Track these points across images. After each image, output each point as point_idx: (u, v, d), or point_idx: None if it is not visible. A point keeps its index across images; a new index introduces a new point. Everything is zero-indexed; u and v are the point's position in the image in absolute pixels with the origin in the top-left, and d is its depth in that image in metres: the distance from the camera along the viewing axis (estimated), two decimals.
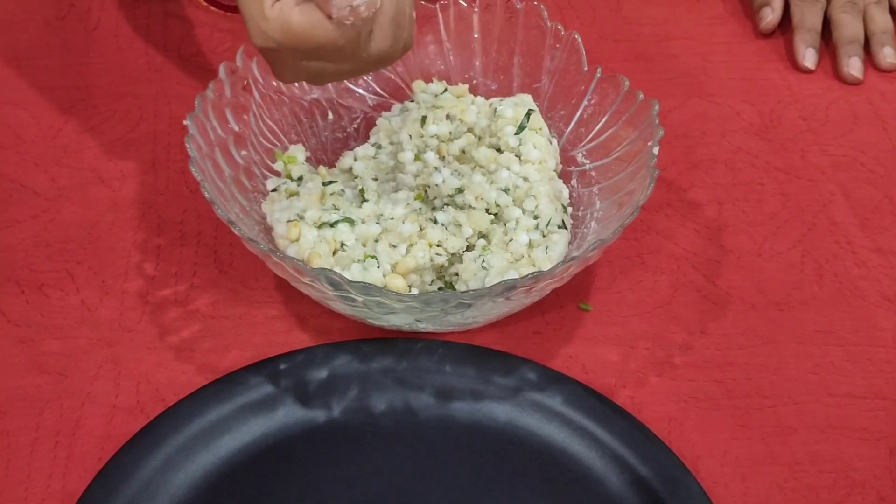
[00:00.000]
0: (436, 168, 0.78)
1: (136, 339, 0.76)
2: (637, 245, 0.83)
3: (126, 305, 0.78)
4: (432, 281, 0.76)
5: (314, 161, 0.83)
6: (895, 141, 0.91)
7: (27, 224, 0.83)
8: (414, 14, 0.68)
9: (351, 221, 0.75)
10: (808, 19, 0.98)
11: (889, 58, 0.97)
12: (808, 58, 0.96)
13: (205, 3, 0.92)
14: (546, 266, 0.74)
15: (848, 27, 0.97)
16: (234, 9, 0.89)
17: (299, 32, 0.63)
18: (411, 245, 0.75)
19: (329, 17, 0.63)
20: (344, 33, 0.63)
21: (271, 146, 0.81)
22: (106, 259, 0.81)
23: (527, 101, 0.82)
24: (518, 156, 0.79)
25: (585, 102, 0.82)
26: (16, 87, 0.93)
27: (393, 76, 0.86)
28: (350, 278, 0.69)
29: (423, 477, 0.69)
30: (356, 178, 0.80)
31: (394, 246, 0.75)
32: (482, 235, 0.76)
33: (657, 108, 0.76)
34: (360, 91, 0.86)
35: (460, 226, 0.76)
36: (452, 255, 0.75)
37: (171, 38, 0.97)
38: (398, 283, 0.73)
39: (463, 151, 0.79)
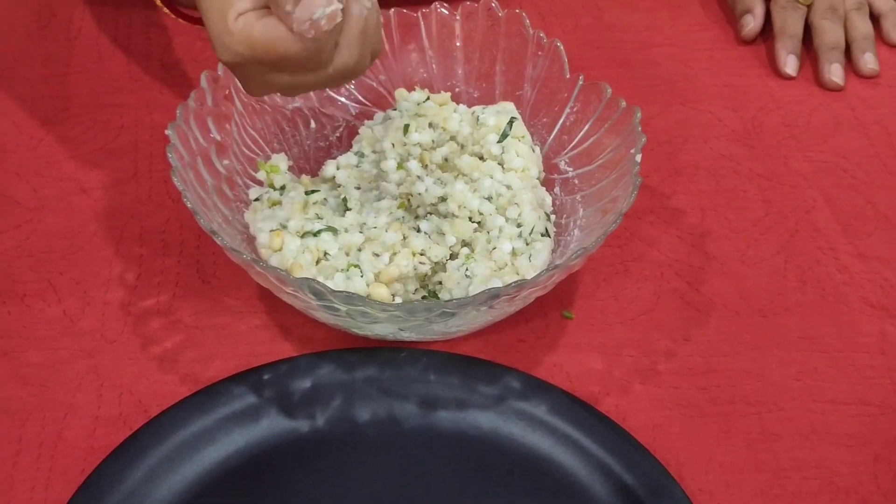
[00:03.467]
0: (418, 177, 0.78)
1: (119, 349, 0.76)
2: (620, 252, 0.83)
3: (108, 316, 0.78)
4: (416, 290, 0.75)
5: (297, 170, 0.82)
6: (877, 147, 0.92)
7: (8, 234, 0.83)
8: (381, 20, 0.69)
9: (334, 230, 0.75)
10: (789, 26, 0.98)
11: (870, 63, 0.97)
12: (790, 64, 0.97)
13: (173, 17, 0.92)
14: (529, 274, 0.74)
15: (829, 33, 0.98)
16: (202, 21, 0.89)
17: (262, 46, 0.64)
18: (394, 254, 0.74)
19: (291, 30, 0.63)
20: (307, 46, 0.63)
21: (253, 155, 0.81)
22: (88, 269, 0.81)
23: (509, 108, 0.82)
24: (501, 164, 0.79)
25: (568, 110, 0.82)
26: None
27: (375, 84, 0.86)
28: (333, 288, 0.69)
29: (408, 486, 0.69)
30: (339, 186, 0.80)
31: (377, 255, 0.74)
32: (465, 244, 0.76)
33: (639, 115, 0.76)
34: (343, 100, 0.86)
35: (443, 234, 0.76)
36: (436, 263, 0.75)
37: (152, 47, 0.97)
38: (381, 293, 0.73)
39: (446, 160, 0.79)
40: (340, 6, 0.63)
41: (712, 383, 0.75)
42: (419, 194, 0.77)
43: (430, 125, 0.80)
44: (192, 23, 0.89)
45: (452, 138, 0.80)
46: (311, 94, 0.84)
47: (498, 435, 0.71)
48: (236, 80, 0.79)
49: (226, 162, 0.78)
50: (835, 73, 0.96)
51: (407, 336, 0.74)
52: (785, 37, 0.98)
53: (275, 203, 0.78)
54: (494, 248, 0.75)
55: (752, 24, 0.99)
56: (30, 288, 0.79)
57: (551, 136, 0.83)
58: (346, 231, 0.75)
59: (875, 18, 1.01)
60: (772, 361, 0.77)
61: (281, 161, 0.80)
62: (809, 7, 1.00)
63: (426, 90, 0.84)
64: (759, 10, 1.00)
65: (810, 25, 0.99)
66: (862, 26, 0.99)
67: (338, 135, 0.86)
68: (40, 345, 0.76)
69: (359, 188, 0.79)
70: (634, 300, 0.80)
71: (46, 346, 0.76)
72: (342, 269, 0.74)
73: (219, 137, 0.78)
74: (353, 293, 0.68)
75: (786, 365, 0.77)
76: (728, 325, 0.79)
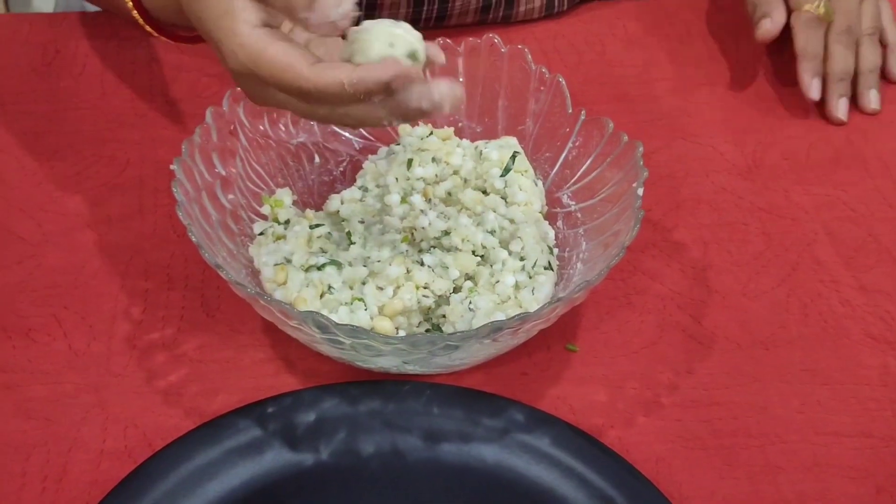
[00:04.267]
0: (422, 211, 0.78)
1: (124, 383, 0.76)
2: (623, 285, 0.83)
3: (113, 350, 0.78)
4: (419, 323, 0.76)
5: (301, 204, 0.83)
6: (877, 180, 0.92)
7: (13, 269, 0.83)
8: (424, 92, 0.66)
9: (338, 264, 0.75)
10: (811, 47, 0.97)
11: (873, 103, 0.98)
12: (814, 88, 0.97)
13: (171, 41, 0.92)
14: (533, 307, 0.75)
15: (840, 61, 0.97)
16: (193, 40, 0.89)
17: (270, 69, 0.64)
18: (398, 287, 0.75)
19: (307, 28, 0.63)
20: (317, 84, 0.63)
21: (258, 190, 0.81)
22: (93, 304, 0.81)
23: (512, 143, 0.83)
24: (504, 198, 0.80)
25: (570, 144, 0.83)
26: (1, 133, 0.93)
27: None
28: (337, 321, 0.69)
29: None
30: (343, 220, 0.80)
31: (381, 288, 0.75)
32: (469, 277, 0.77)
33: (641, 149, 0.77)
34: (347, 135, 0.86)
35: (447, 268, 0.76)
36: (439, 296, 0.75)
37: (156, 83, 0.98)
38: (385, 326, 0.73)
39: (449, 194, 0.80)
40: (352, 4, 0.63)
41: (715, 416, 0.76)
42: (423, 228, 0.77)
43: (434, 160, 0.80)
44: (189, 42, 0.90)
45: (456, 172, 0.81)
46: (316, 128, 0.85)
47: (502, 467, 0.71)
48: (241, 113, 0.80)
49: (230, 196, 0.79)
50: (841, 109, 0.96)
51: (411, 369, 0.75)
52: (807, 60, 0.97)
53: (279, 237, 0.78)
54: (498, 282, 0.76)
55: (769, 25, 0.98)
56: (34, 322, 0.80)
57: (554, 171, 0.84)
58: (350, 265, 0.76)
59: (883, 46, 1.01)
60: (774, 394, 0.77)
61: (285, 195, 0.81)
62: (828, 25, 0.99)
63: (429, 125, 0.84)
64: (779, 17, 0.99)
65: (825, 46, 0.99)
66: (871, 57, 0.99)
67: (342, 169, 0.86)
68: (45, 379, 0.76)
69: (363, 222, 0.80)
70: (637, 333, 0.80)
71: (51, 381, 0.76)
72: (346, 303, 0.74)
73: (224, 172, 0.79)
74: (357, 326, 0.69)
75: (788, 397, 0.77)
76: (730, 357, 0.79)
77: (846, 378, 0.78)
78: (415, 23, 0.99)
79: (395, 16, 0.99)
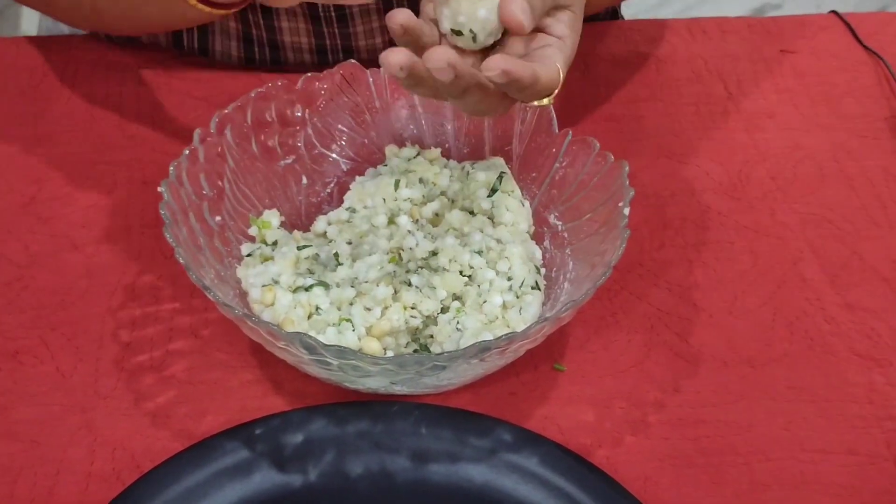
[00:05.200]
0: (409, 231, 0.78)
1: (112, 405, 0.76)
2: (610, 304, 0.83)
3: (101, 372, 0.78)
4: (407, 343, 0.76)
5: (288, 226, 0.83)
6: (862, 198, 0.92)
7: (0, 291, 0.83)
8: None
9: (325, 285, 0.75)
10: None
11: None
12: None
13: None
14: (520, 327, 0.75)
15: None
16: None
17: None
18: (386, 308, 0.75)
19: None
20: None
21: (245, 211, 0.82)
22: (80, 325, 0.81)
23: (499, 164, 0.83)
24: (491, 218, 0.80)
25: (557, 165, 0.83)
26: None
27: (366, 141, 0.87)
28: (325, 342, 0.69)
29: None
30: (330, 241, 0.80)
31: (368, 309, 0.75)
32: (456, 297, 0.77)
33: (627, 169, 0.77)
34: (334, 156, 0.87)
35: (434, 288, 0.76)
36: (427, 317, 0.76)
37: (143, 105, 0.98)
38: (373, 346, 0.74)
39: (436, 214, 0.80)
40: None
41: (702, 434, 0.76)
42: (410, 249, 0.78)
43: (421, 180, 0.81)
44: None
45: (443, 193, 0.81)
46: (304, 150, 0.85)
47: (490, 487, 0.71)
48: (228, 136, 0.80)
49: (218, 218, 0.79)
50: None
51: (399, 390, 0.75)
52: None
53: (267, 258, 0.78)
54: (485, 302, 0.76)
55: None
56: (22, 345, 0.80)
57: (540, 190, 0.84)
58: (338, 285, 0.76)
59: None
60: (760, 412, 0.77)
61: (273, 217, 0.81)
62: None
63: (416, 146, 0.85)
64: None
65: None
66: None
67: (329, 191, 0.86)
68: (32, 401, 0.76)
69: (350, 243, 0.80)
70: (624, 352, 0.81)
71: (38, 402, 0.76)
72: (334, 324, 0.74)
73: (211, 194, 0.79)
74: (345, 347, 0.69)
75: (774, 415, 0.77)
76: (717, 376, 0.79)
77: (832, 395, 0.78)
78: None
79: (367, 25, 1.00)
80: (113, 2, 0.89)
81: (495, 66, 0.64)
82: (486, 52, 0.70)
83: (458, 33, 0.68)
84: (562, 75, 0.70)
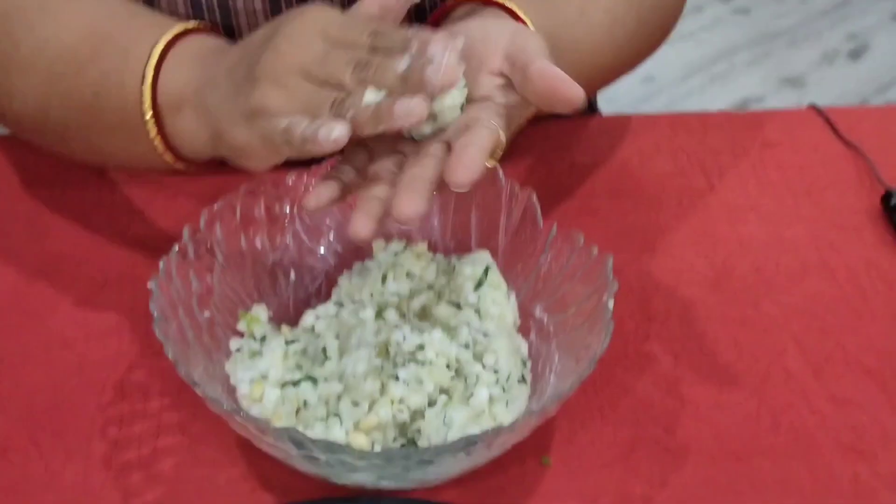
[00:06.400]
0: (396, 325, 0.79)
1: (101, 503, 0.76)
2: (596, 398, 0.84)
3: (90, 469, 0.78)
4: (395, 438, 0.76)
5: (276, 320, 0.83)
6: (845, 290, 0.93)
7: None
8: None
9: (313, 380, 0.76)
10: None
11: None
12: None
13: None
14: (507, 420, 0.75)
15: None
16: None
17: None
18: (373, 402, 0.75)
19: None
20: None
21: (234, 306, 0.82)
22: (69, 423, 0.81)
23: (485, 257, 0.84)
24: (477, 311, 0.81)
25: (542, 259, 0.84)
26: None
27: None
28: (313, 437, 0.70)
29: None
30: (318, 336, 0.81)
31: (356, 403, 0.75)
32: (443, 391, 0.77)
33: (611, 262, 0.78)
34: (322, 251, 0.88)
35: (422, 382, 0.77)
36: (415, 411, 0.76)
37: (135, 201, 0.99)
38: (361, 441, 0.74)
39: (423, 308, 0.81)
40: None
41: None
42: (397, 343, 0.78)
43: (408, 275, 0.82)
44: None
45: (429, 287, 0.82)
46: (292, 245, 0.86)
47: None
48: (217, 231, 0.81)
49: (207, 313, 0.80)
50: None
51: (386, 484, 0.75)
52: None
53: (255, 353, 0.79)
54: (472, 395, 0.76)
55: None
56: (11, 443, 0.80)
57: (526, 283, 0.85)
58: (326, 380, 0.76)
59: None
60: None
61: (261, 312, 0.82)
62: None
63: (403, 240, 0.86)
64: None
65: None
66: None
67: (317, 285, 0.87)
68: (22, 500, 0.76)
69: (338, 337, 0.80)
70: (611, 445, 0.81)
71: (28, 501, 0.76)
72: (322, 419, 0.74)
73: (200, 289, 0.80)
74: (333, 442, 0.69)
75: None
76: (703, 470, 0.79)
77: (818, 488, 0.78)
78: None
79: None
80: (80, 130, 0.87)
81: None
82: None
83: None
84: (502, 135, 0.71)
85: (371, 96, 0.68)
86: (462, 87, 0.71)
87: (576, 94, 0.70)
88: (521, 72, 0.72)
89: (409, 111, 0.67)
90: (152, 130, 0.81)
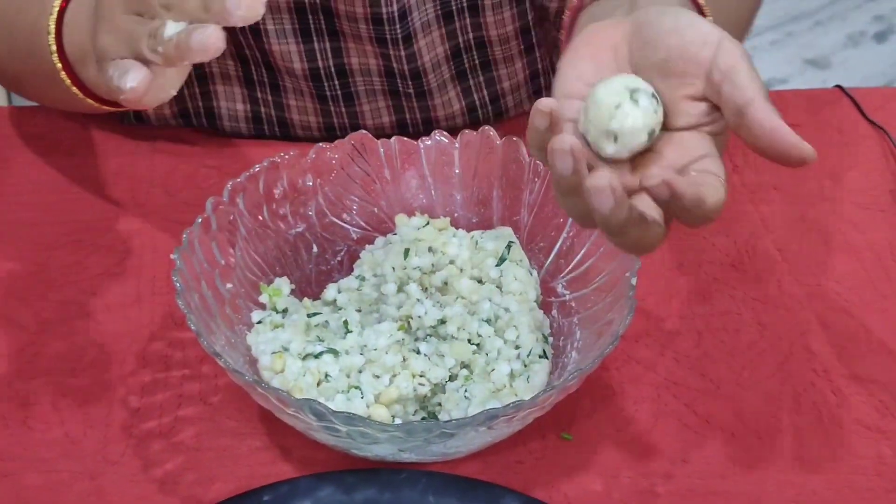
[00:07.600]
0: (418, 300, 0.79)
1: (120, 471, 0.76)
2: (617, 374, 0.84)
3: (110, 438, 0.78)
4: (415, 411, 0.76)
5: (299, 293, 0.83)
6: (868, 270, 0.93)
7: (11, 358, 0.83)
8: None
9: (335, 352, 0.76)
10: None
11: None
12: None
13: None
14: (527, 395, 0.75)
15: None
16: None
17: None
18: (395, 375, 0.75)
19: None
20: None
21: (256, 279, 0.82)
22: (90, 392, 0.81)
23: (507, 233, 0.84)
24: (499, 287, 0.81)
25: (564, 234, 0.84)
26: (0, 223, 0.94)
27: (376, 210, 0.87)
28: (334, 409, 0.70)
29: None
30: (340, 309, 0.81)
31: (377, 376, 0.75)
32: (464, 365, 0.77)
33: None
34: (344, 225, 0.87)
35: (443, 356, 0.77)
36: (435, 385, 0.76)
37: (156, 173, 0.99)
38: (381, 414, 0.74)
39: (445, 283, 0.81)
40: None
41: None
42: (419, 317, 0.78)
43: (430, 249, 0.81)
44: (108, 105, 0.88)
45: (451, 262, 0.82)
46: (315, 219, 0.86)
47: None
48: (241, 204, 0.81)
49: (229, 285, 0.80)
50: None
51: (407, 457, 0.75)
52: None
53: (277, 326, 0.79)
54: (493, 370, 0.76)
55: None
56: (32, 411, 0.80)
57: (548, 260, 0.85)
58: (347, 353, 0.76)
59: None
60: (769, 484, 0.77)
61: (283, 285, 0.82)
62: None
63: (426, 215, 0.85)
64: None
65: None
66: None
67: (339, 259, 0.87)
68: (41, 467, 0.77)
69: (359, 311, 0.80)
70: (632, 421, 0.81)
71: (48, 468, 0.76)
72: (343, 391, 0.74)
73: (223, 262, 0.80)
74: (354, 414, 0.69)
75: (783, 487, 0.77)
76: (725, 446, 0.79)
77: (840, 467, 0.78)
78: (401, 128, 1.00)
79: (378, 122, 1.01)
80: (29, 80, 0.92)
81: (657, 174, 0.60)
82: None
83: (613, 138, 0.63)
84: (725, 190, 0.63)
85: (172, 29, 0.65)
86: (653, 110, 0.63)
87: (807, 154, 0.61)
88: (733, 110, 0.62)
89: (204, 44, 0.62)
90: (66, 80, 0.82)
